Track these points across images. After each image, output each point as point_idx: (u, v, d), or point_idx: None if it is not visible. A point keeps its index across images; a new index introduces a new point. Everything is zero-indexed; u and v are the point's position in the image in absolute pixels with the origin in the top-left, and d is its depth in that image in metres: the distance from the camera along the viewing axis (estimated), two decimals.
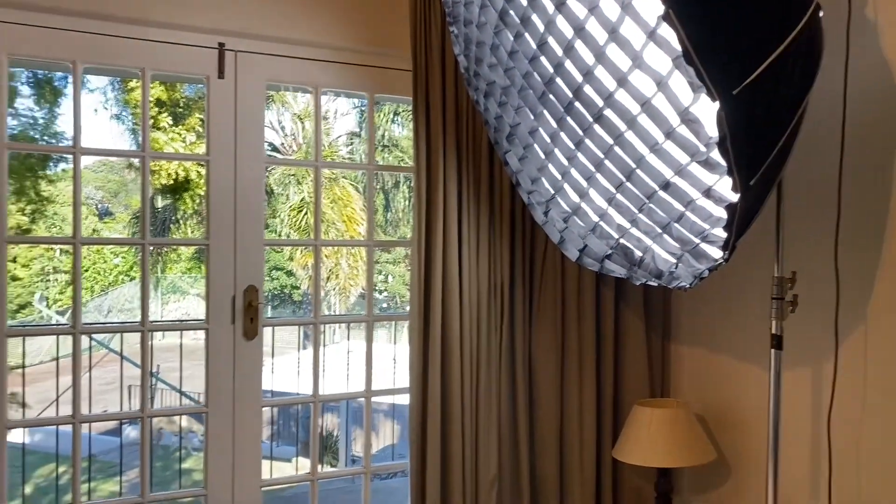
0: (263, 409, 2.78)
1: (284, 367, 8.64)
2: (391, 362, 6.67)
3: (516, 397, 2.83)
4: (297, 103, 11.61)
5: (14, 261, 12.65)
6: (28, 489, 7.06)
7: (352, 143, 12.09)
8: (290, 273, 12.78)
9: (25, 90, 9.58)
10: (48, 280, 15.79)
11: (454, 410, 2.73)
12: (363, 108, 11.96)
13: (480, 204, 2.75)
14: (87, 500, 2.29)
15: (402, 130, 12.26)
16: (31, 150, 9.14)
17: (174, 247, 12.52)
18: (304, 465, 8.84)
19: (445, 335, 2.71)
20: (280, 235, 10.91)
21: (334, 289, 11.47)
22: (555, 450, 2.84)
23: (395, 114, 11.62)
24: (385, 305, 14.41)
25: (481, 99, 2.36)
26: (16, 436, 5.83)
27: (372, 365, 2.97)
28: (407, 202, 11.82)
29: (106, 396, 9.30)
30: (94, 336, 8.88)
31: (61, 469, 7.86)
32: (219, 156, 2.60)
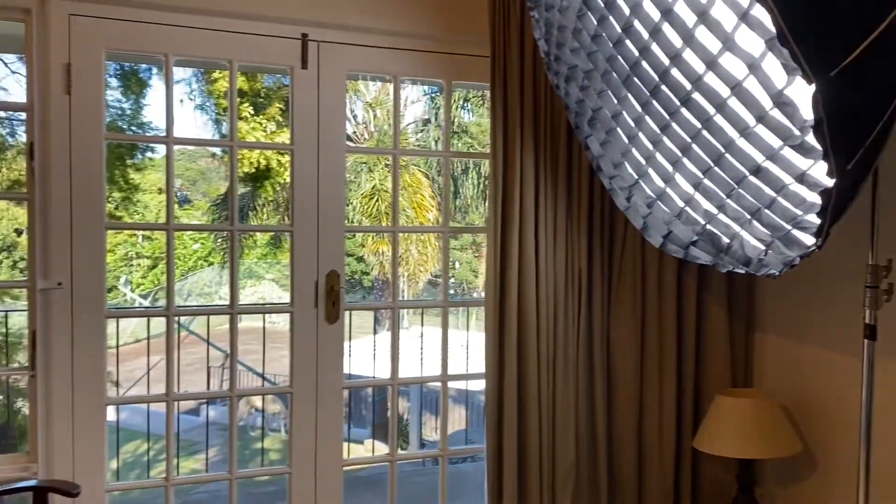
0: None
1: (358, 351, 8.81)
2: (461, 348, 6.71)
3: (594, 385, 2.81)
4: (368, 92, 11.72)
5: None
6: (114, 466, 7.42)
7: (421, 131, 12.14)
8: (360, 259, 12.97)
9: (113, 82, 10.01)
10: (131, 265, 16.49)
11: (530, 397, 2.73)
12: (433, 95, 11.98)
13: (558, 189, 2.74)
14: (175, 476, 2.42)
15: (471, 117, 12.25)
16: (127, 140, 9.52)
17: (251, 233, 12.87)
18: (377, 447, 9.01)
19: (521, 321, 2.72)
20: (351, 222, 11.08)
21: (403, 275, 11.59)
22: (633, 438, 2.82)
23: (465, 100, 11.59)
24: (452, 292, 14.48)
25: (562, 83, 2.35)
26: (108, 413, 6.11)
27: (448, 350, 3.00)
28: (476, 189, 11.80)
29: (185, 377, 9.68)
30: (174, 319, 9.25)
31: (145, 446, 8.24)
32: (302, 145, 2.66)
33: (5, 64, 8.63)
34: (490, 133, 2.72)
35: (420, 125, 12.30)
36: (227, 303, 2.72)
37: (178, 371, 2.70)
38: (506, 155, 2.69)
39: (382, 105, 11.78)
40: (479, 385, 7.02)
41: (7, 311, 7.79)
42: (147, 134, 9.07)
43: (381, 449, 8.56)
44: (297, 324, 2.71)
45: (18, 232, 14.27)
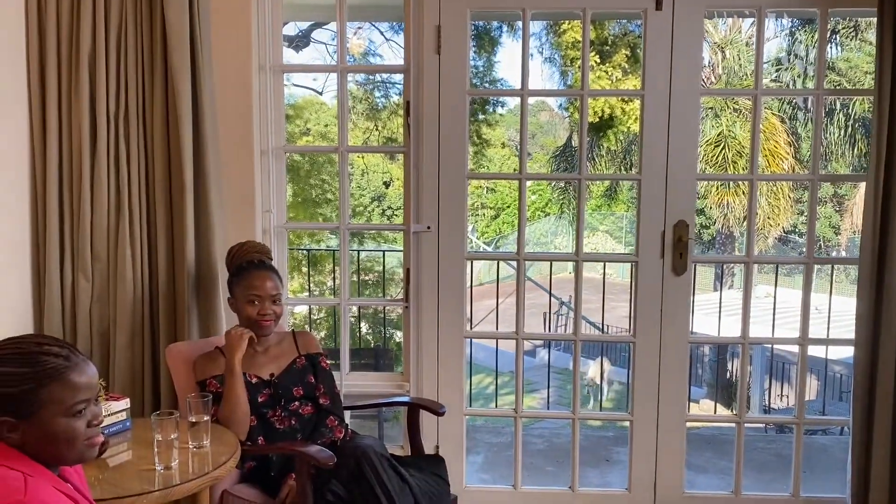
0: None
1: (697, 307, 8.47)
2: (815, 311, 6.08)
3: None
4: (717, 31, 10.90)
5: None
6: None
7: (778, 69, 10.97)
8: (700, 211, 12.37)
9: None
10: (477, 214, 17.83)
11: None
12: (793, 29, 10.74)
13: None
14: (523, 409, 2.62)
15: (839, 51, 10.74)
16: (486, 94, 9.98)
17: (589, 184, 13.03)
18: (712, 407, 8.66)
19: None
20: None
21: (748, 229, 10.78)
22: None
23: (833, 32, 10.15)
24: (805, 250, 13.06)
25: None
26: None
27: (809, 311, 2.73)
28: (842, 132, 10.34)
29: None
30: (510, 264, 9.85)
31: (487, 379, 8.96)
32: (653, 90, 2.59)
33: (381, 33, 9.73)
34: (875, 67, 2.37)
35: (778, 63, 11.12)
36: (567, 251, 2.79)
37: (524, 312, 2.86)
38: (893, 91, 2.32)
39: (733, 45, 10.86)
40: (837, 353, 6.30)
41: (384, 251, 8.98)
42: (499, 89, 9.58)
43: (719, 410, 8.19)
44: (642, 274, 2.69)
45: (386, 184, 16.28)
